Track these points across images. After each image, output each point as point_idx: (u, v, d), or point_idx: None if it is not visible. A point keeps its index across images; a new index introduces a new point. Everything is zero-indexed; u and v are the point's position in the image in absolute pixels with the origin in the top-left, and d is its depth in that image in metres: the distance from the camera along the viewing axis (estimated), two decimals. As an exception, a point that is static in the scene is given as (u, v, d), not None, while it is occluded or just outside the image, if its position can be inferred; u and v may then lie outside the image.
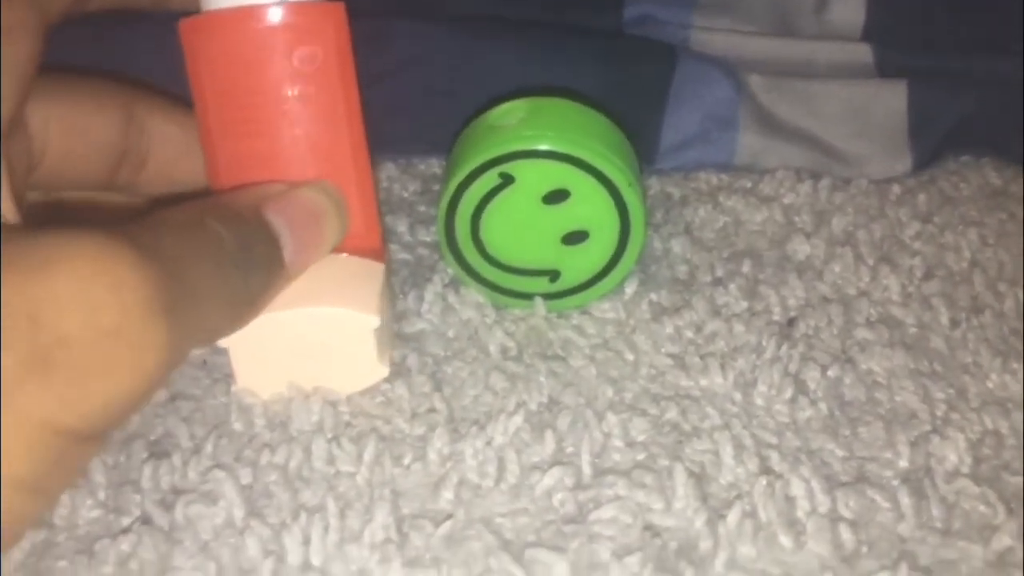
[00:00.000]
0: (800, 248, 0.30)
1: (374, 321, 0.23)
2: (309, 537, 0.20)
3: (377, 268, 0.24)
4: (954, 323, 0.27)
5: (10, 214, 0.20)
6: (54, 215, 0.24)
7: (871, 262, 0.30)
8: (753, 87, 0.35)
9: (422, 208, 0.32)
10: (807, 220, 0.32)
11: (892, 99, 0.34)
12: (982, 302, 0.28)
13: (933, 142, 0.34)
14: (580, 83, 0.35)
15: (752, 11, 0.36)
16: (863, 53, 0.35)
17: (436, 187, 0.33)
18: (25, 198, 0.22)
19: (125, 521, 0.20)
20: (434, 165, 0.34)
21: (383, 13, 0.33)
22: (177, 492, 0.21)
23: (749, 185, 0.33)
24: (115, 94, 0.25)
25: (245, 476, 0.21)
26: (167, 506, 0.20)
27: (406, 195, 0.33)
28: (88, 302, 0.16)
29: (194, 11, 0.23)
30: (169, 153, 0.25)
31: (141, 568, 0.19)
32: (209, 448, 0.22)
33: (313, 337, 0.23)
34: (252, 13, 0.22)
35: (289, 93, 0.23)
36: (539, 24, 0.36)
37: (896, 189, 0.33)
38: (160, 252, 0.18)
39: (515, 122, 0.26)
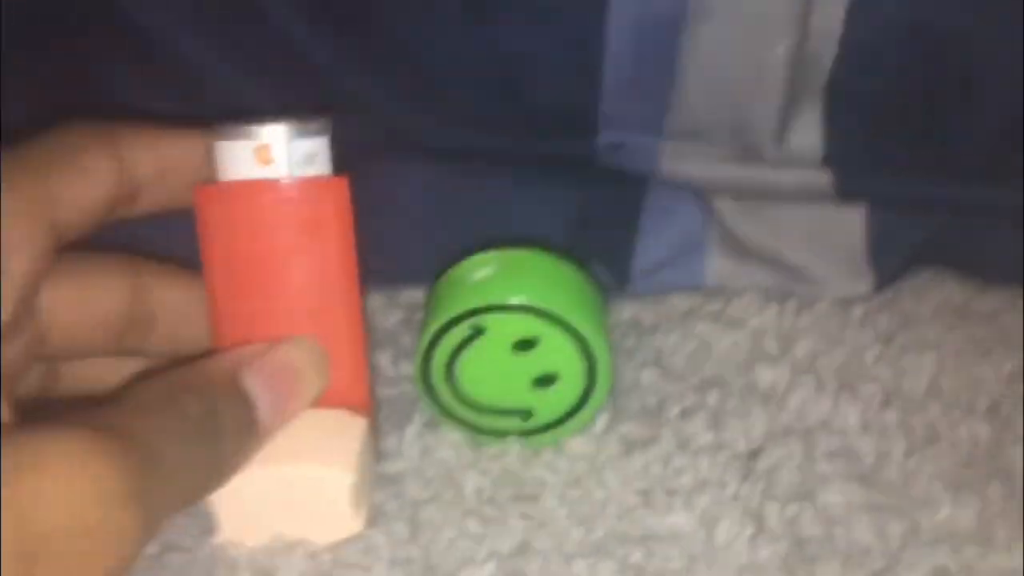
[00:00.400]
0: (765, 375, 0.32)
1: (349, 478, 0.24)
2: None
3: (359, 423, 0.25)
4: (908, 453, 0.29)
5: (6, 416, 0.22)
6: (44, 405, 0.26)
7: (832, 388, 0.31)
8: (721, 211, 0.37)
9: (406, 339, 0.34)
10: (773, 344, 0.33)
11: (850, 223, 0.36)
12: (936, 431, 0.29)
13: (894, 262, 0.36)
14: (554, 211, 0.37)
15: (718, 139, 0.38)
16: (822, 178, 0.37)
17: (419, 316, 0.35)
18: (25, 385, 0.24)
19: None
20: (418, 295, 0.36)
21: (362, 152, 0.35)
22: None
23: (718, 308, 0.35)
24: (120, 264, 0.27)
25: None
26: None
27: (388, 325, 0.34)
28: (71, 500, 0.18)
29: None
30: (176, 317, 0.27)
31: None
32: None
33: (290, 492, 0.24)
34: (260, 185, 0.25)
35: (288, 259, 0.24)
36: (512, 154, 0.38)
37: (858, 310, 0.35)
38: (134, 437, 0.20)
39: (484, 276, 0.28)
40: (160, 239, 0.28)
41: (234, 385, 0.23)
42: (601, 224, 0.37)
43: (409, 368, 0.32)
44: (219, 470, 0.22)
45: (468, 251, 0.30)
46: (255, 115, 0.24)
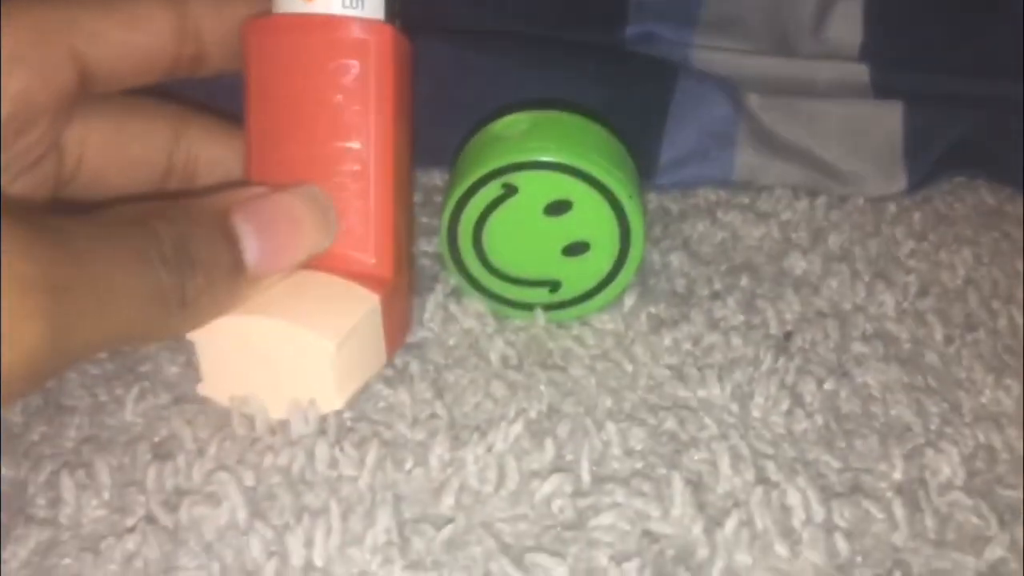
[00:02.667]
0: (797, 264, 0.31)
1: (331, 347, 0.22)
2: (312, 539, 0.20)
3: (369, 298, 0.24)
4: (948, 339, 0.28)
5: None
6: None
7: (867, 278, 0.30)
8: (752, 105, 0.36)
9: (423, 219, 0.32)
10: (804, 236, 0.32)
11: (888, 119, 0.35)
12: (976, 319, 0.28)
13: (928, 162, 0.35)
14: (581, 98, 0.35)
15: (752, 30, 0.36)
16: (860, 73, 0.36)
17: (437, 198, 0.33)
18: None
19: (130, 521, 0.20)
20: (435, 177, 0.34)
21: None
22: (181, 493, 0.21)
23: (747, 201, 0.34)
24: (164, 114, 0.25)
25: (248, 478, 0.22)
26: (171, 507, 0.21)
27: (408, 206, 0.33)
28: None
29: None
30: (217, 174, 0.26)
31: (146, 567, 0.19)
32: (212, 450, 0.22)
33: (273, 350, 0.23)
34: (307, 19, 0.23)
35: (326, 100, 0.23)
36: (541, 40, 0.37)
37: (892, 208, 0.34)
38: (68, 239, 0.18)
39: (518, 134, 0.26)
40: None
41: (220, 222, 0.22)
42: (629, 114, 0.35)
43: (428, 246, 0.31)
44: (181, 303, 0.20)
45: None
46: None
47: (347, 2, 0.24)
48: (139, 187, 0.25)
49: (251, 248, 0.22)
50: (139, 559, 0.19)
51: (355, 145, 0.24)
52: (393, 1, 0.24)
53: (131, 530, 0.20)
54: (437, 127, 0.34)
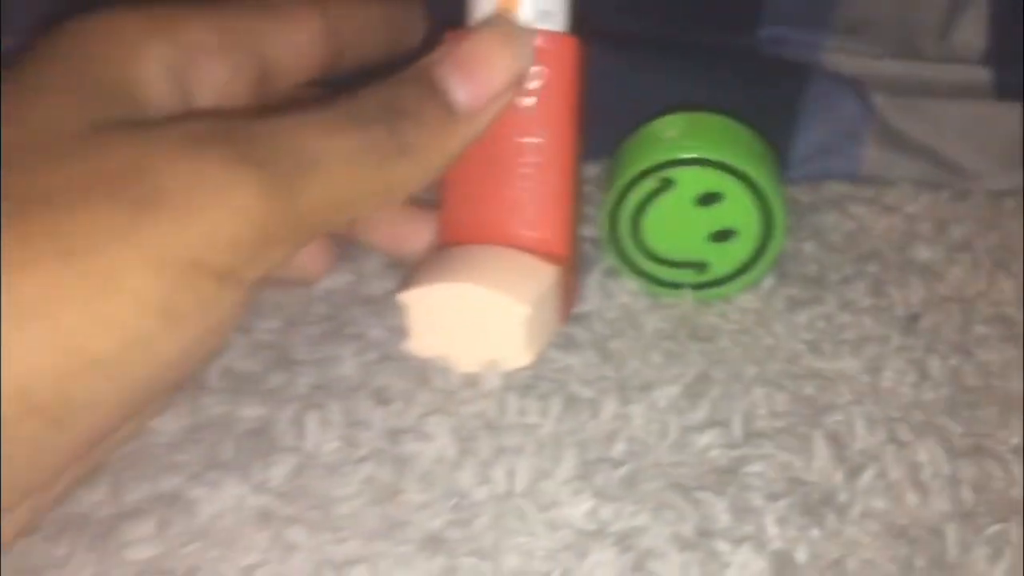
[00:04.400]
0: (922, 253, 0.34)
1: (525, 311, 0.26)
2: (513, 471, 0.24)
3: (551, 270, 0.28)
4: (1064, 323, 0.30)
5: None
6: None
7: (987, 267, 0.33)
8: (879, 104, 0.38)
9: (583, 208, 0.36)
10: (928, 228, 0.35)
11: (1008, 120, 0.37)
12: (1090, 305, 0.31)
13: (1047, 160, 0.37)
14: (719, 97, 0.39)
15: (880, 35, 0.39)
16: (983, 75, 0.38)
17: (587, 188, 0.37)
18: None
19: (361, 452, 0.25)
20: (588, 169, 0.38)
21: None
22: (399, 432, 0.25)
23: (873, 195, 0.37)
24: None
25: (451, 422, 0.26)
26: (393, 442, 0.25)
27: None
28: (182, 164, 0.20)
29: None
30: None
31: (379, 488, 0.24)
32: (420, 398, 0.26)
33: (473, 312, 0.27)
34: None
35: (513, 103, 0.27)
36: (679, 43, 0.40)
37: (1011, 202, 0.36)
38: (266, 122, 0.22)
39: (675, 134, 0.30)
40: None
41: (422, 77, 0.24)
42: (764, 112, 0.38)
43: (586, 231, 0.34)
44: (404, 153, 0.23)
45: (640, 124, 0.32)
46: None
47: (537, 17, 0.27)
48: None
49: (456, 89, 0.24)
50: (374, 481, 0.24)
51: (539, 140, 0.28)
52: (574, 18, 0.28)
53: (363, 459, 0.24)
54: (591, 125, 0.38)
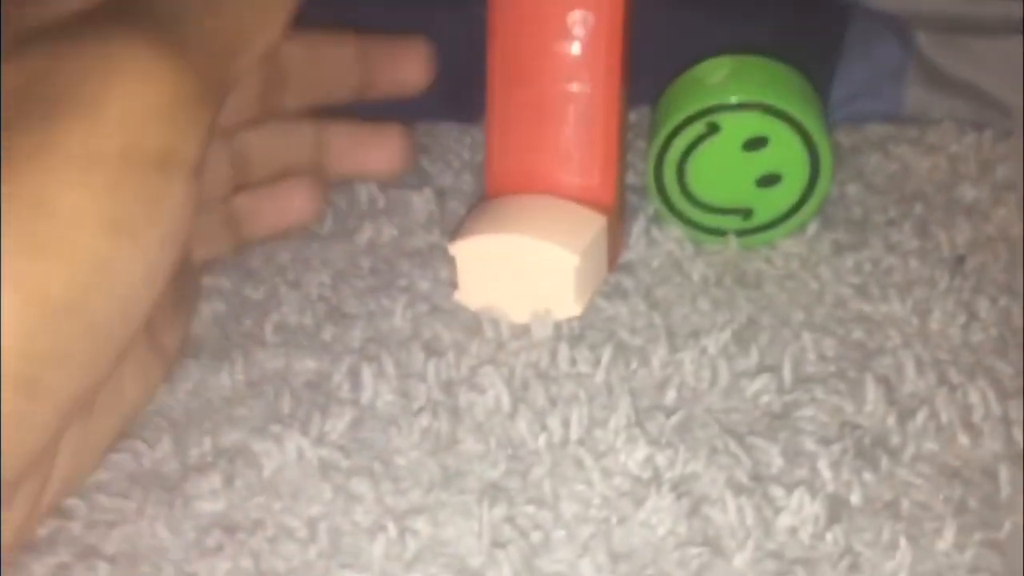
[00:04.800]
0: (967, 193, 0.33)
1: (575, 260, 0.27)
2: (568, 420, 0.24)
3: (598, 219, 0.28)
4: (1113, 259, 0.30)
5: None
6: None
7: (1034, 206, 0.32)
8: (920, 43, 0.38)
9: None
10: (972, 168, 0.35)
11: (1052, 54, 0.37)
12: None
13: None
14: (759, 37, 0.38)
15: (921, -29, 0.38)
16: (1022, 10, 0.37)
17: (629, 135, 0.37)
18: None
19: (416, 404, 0.25)
20: (629, 116, 0.38)
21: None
22: (453, 383, 0.26)
23: (916, 135, 0.36)
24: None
25: (505, 372, 0.26)
26: (448, 393, 0.25)
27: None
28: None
29: None
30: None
31: (437, 439, 0.24)
32: (472, 349, 0.27)
33: (522, 262, 0.27)
34: None
35: (560, 48, 0.27)
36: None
37: (1057, 139, 0.36)
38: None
39: (720, 78, 0.30)
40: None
41: None
42: (804, 52, 0.38)
43: (628, 178, 0.34)
44: None
45: (682, 69, 0.32)
46: None
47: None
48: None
49: None
50: (431, 433, 0.24)
51: (586, 87, 0.28)
52: None
53: (420, 411, 0.25)
54: (630, 69, 0.37)
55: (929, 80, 0.38)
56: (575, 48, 0.27)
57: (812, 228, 0.32)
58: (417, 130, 0.36)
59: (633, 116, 0.38)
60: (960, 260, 0.30)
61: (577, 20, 0.27)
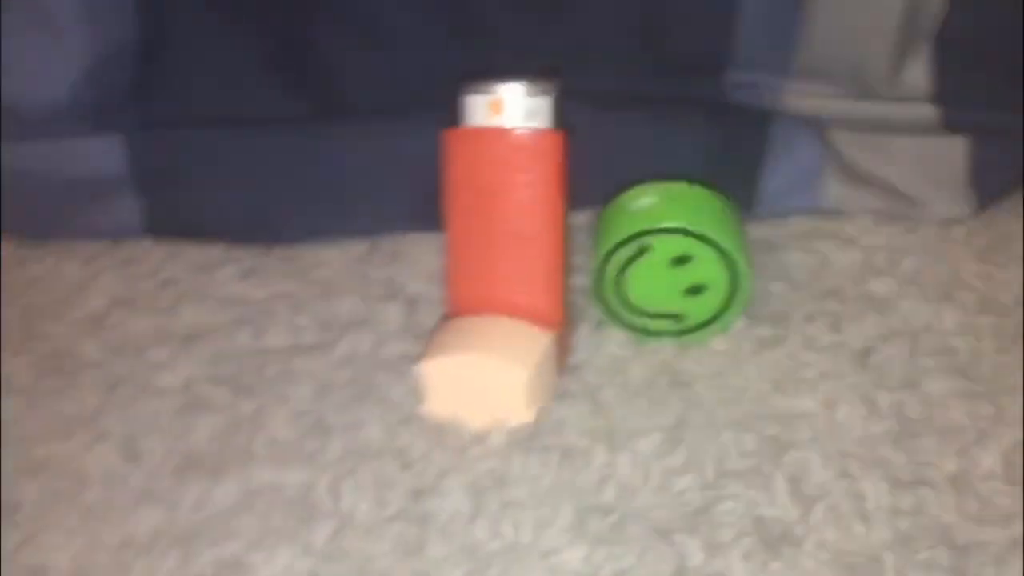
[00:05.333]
0: (877, 286, 0.38)
1: (525, 375, 0.31)
2: (519, 523, 0.28)
3: (546, 337, 0.32)
4: (1000, 351, 0.34)
5: None
6: None
7: (934, 297, 0.37)
8: (837, 142, 0.42)
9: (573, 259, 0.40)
10: (883, 260, 0.39)
11: (954, 152, 0.41)
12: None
13: (992, 188, 0.41)
14: (692, 144, 0.43)
15: (836, 78, 0.43)
16: (930, 112, 0.42)
17: (579, 237, 0.41)
18: None
19: (389, 512, 0.29)
20: (578, 216, 0.42)
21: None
22: (421, 491, 0.30)
23: (834, 228, 0.41)
24: None
25: (465, 480, 0.30)
26: (417, 501, 0.29)
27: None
28: None
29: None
30: None
31: (408, 543, 0.28)
32: (437, 458, 0.31)
33: (480, 378, 0.31)
34: (491, 131, 0.32)
35: (507, 192, 0.31)
36: (655, 94, 0.44)
37: (959, 230, 0.40)
38: None
39: (648, 204, 0.34)
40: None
41: None
42: (732, 155, 0.42)
43: (578, 281, 0.39)
44: None
45: (620, 182, 0.36)
46: (496, 75, 0.31)
47: (525, 117, 0.32)
48: None
49: None
50: (402, 539, 0.28)
51: (533, 224, 0.32)
52: (558, 114, 0.32)
53: (392, 519, 0.29)
54: (577, 177, 0.42)
55: (846, 176, 0.42)
56: (522, 196, 0.32)
57: (740, 324, 0.36)
58: (389, 240, 0.41)
59: (583, 217, 0.42)
60: (866, 353, 0.35)
61: (522, 176, 0.31)
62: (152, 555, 0.28)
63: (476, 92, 0.32)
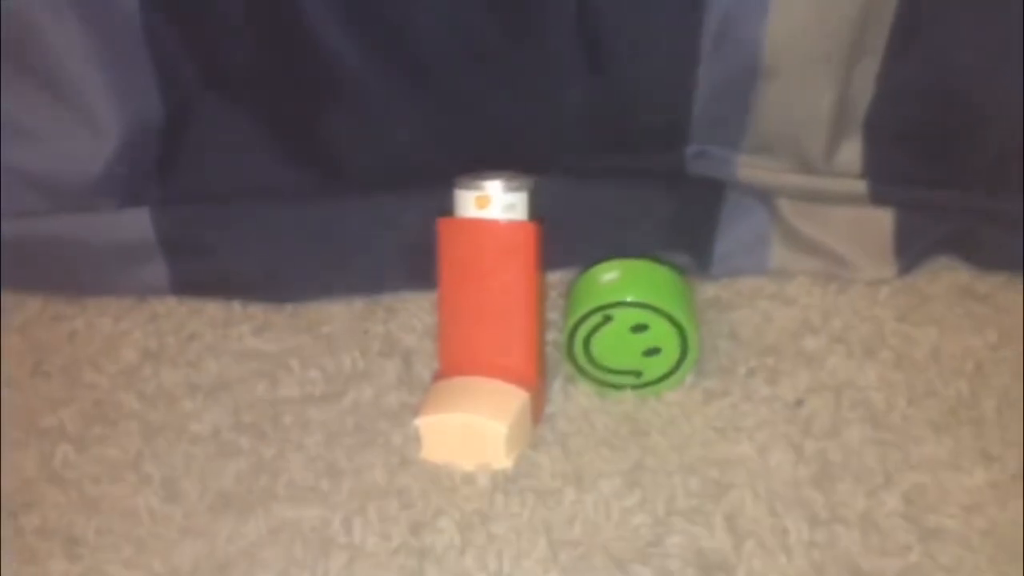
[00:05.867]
0: (809, 343, 0.44)
1: (503, 430, 0.37)
2: (501, 554, 0.34)
3: (522, 395, 0.38)
4: (910, 403, 0.40)
5: None
6: None
7: (858, 354, 0.43)
8: (782, 210, 0.48)
9: (549, 315, 0.46)
10: (817, 318, 0.45)
11: (881, 221, 0.47)
12: (932, 388, 0.41)
13: (915, 253, 0.47)
14: (651, 213, 0.49)
15: (781, 155, 0.49)
16: (861, 187, 0.48)
17: (553, 294, 0.47)
18: None
19: (393, 545, 0.35)
20: (552, 275, 0.48)
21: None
22: (420, 526, 0.36)
23: (776, 289, 0.47)
24: None
25: (457, 516, 0.36)
26: (417, 535, 0.35)
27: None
28: None
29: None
30: None
31: (410, 572, 0.34)
32: (433, 497, 0.37)
33: (465, 433, 0.37)
34: (477, 222, 0.38)
35: (492, 273, 0.37)
36: (618, 168, 0.49)
37: (884, 291, 0.46)
38: None
39: (611, 279, 0.40)
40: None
41: None
42: (690, 221, 0.48)
43: (552, 336, 0.44)
44: None
45: (591, 245, 0.42)
46: (482, 173, 0.37)
47: (505, 210, 0.37)
48: None
49: None
50: (405, 569, 0.34)
51: (513, 300, 0.38)
52: (534, 206, 0.38)
53: (396, 551, 0.35)
54: (552, 242, 0.48)
55: (789, 241, 0.48)
56: (504, 277, 0.38)
57: (690, 379, 0.42)
58: (387, 297, 0.47)
59: (557, 276, 0.48)
60: (798, 404, 0.41)
61: (504, 261, 0.37)
62: (195, 583, 0.34)
63: (465, 188, 0.38)
